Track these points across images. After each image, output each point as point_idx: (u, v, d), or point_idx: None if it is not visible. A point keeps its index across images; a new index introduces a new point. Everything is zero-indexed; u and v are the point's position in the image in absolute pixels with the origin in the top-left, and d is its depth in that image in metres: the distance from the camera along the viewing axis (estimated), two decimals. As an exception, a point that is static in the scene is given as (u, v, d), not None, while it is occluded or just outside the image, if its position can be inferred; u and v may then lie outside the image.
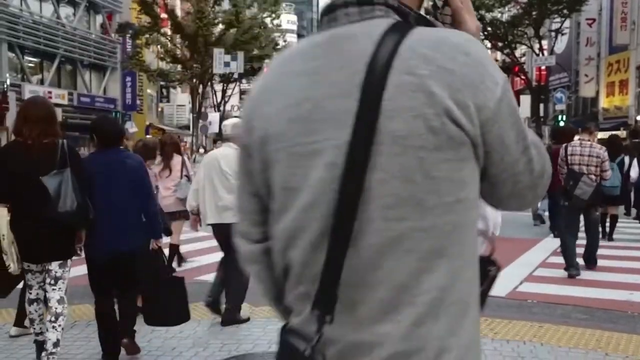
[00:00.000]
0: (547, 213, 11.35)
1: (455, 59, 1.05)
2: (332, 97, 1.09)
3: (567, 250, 7.60)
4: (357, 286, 1.07)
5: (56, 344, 4.04)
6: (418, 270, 1.06)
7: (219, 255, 6.26)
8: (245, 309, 5.99)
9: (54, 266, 4.12)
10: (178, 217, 7.60)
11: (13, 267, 4.05)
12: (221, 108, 42.01)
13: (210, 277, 7.72)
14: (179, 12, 35.66)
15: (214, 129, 34.43)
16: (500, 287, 7.20)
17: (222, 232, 5.39)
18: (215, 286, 5.77)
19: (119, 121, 5.02)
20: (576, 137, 8.23)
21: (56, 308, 4.10)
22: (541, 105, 31.60)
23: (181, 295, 4.65)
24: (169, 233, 6.48)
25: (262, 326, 5.45)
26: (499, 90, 1.07)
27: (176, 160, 7.73)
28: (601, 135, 17.47)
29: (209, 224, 5.68)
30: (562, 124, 28.15)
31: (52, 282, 4.12)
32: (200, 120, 33.34)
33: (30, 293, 4.30)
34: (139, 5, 32.70)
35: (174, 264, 7.75)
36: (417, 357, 1.06)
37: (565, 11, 29.01)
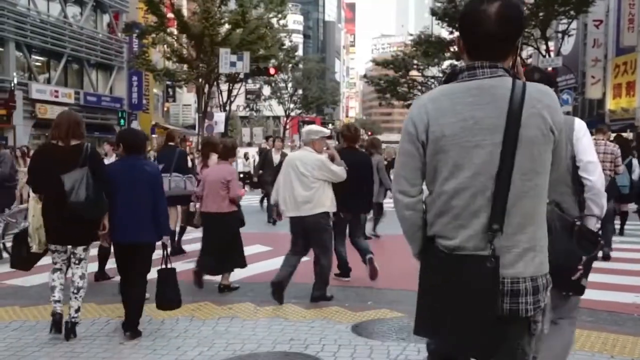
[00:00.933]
0: None
1: (551, 100, 2.17)
2: (488, 118, 2.13)
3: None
4: (509, 213, 2.10)
5: (77, 310, 5.09)
6: (534, 207, 2.15)
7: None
8: (252, 308, 6.01)
9: (79, 250, 5.14)
10: None
11: (35, 247, 5.12)
12: (227, 108, 42.02)
13: (214, 276, 7.75)
14: (185, 12, 35.71)
15: (219, 128, 34.47)
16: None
17: (299, 223, 6.44)
18: (281, 271, 6.47)
19: (143, 133, 6.01)
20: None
21: (78, 282, 5.12)
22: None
23: (173, 283, 5.42)
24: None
25: (267, 326, 5.45)
26: (562, 117, 2.22)
27: (213, 158, 8.45)
28: (608, 137, 17.32)
29: (288, 217, 6.58)
30: (568, 125, 28.09)
31: (77, 262, 5.14)
32: (206, 120, 33.32)
33: (56, 264, 5.20)
34: (145, 5, 32.70)
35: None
36: (532, 251, 2.13)
37: (572, 12, 28.92)
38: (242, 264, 7.33)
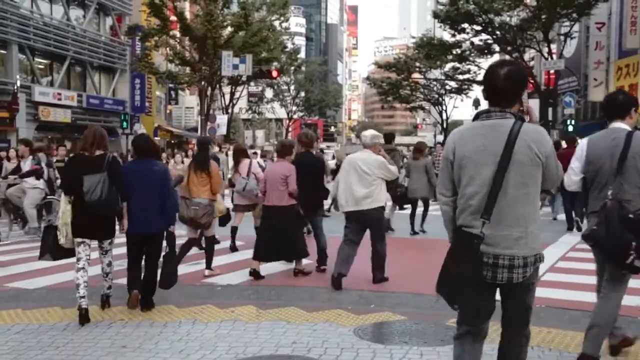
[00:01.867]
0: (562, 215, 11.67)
1: (538, 135, 3.13)
2: (492, 146, 3.09)
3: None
4: (502, 212, 3.06)
5: (109, 287, 6.27)
6: (525, 208, 3.10)
7: (224, 259, 6.26)
8: (253, 312, 6.01)
9: (105, 243, 6.14)
10: (239, 209, 9.98)
11: (62, 240, 5.98)
12: (229, 110, 42.09)
13: (216, 279, 7.75)
14: (188, 15, 35.70)
15: (221, 131, 34.48)
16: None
17: (357, 217, 7.35)
18: (341, 261, 7.33)
19: (151, 139, 7.29)
20: None
21: (106, 269, 6.21)
22: (550, 109, 31.44)
23: (174, 265, 6.55)
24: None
25: (269, 329, 5.45)
26: (550, 147, 3.16)
27: (244, 163, 9.80)
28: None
29: (345, 212, 7.44)
30: (570, 128, 28.07)
31: (104, 252, 6.17)
32: (209, 123, 33.31)
33: (78, 264, 5.91)
34: (148, 8, 32.72)
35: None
36: (524, 239, 3.07)
37: (574, 15, 28.89)
38: (306, 253, 8.04)
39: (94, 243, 6.10)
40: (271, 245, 7.78)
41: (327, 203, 10.31)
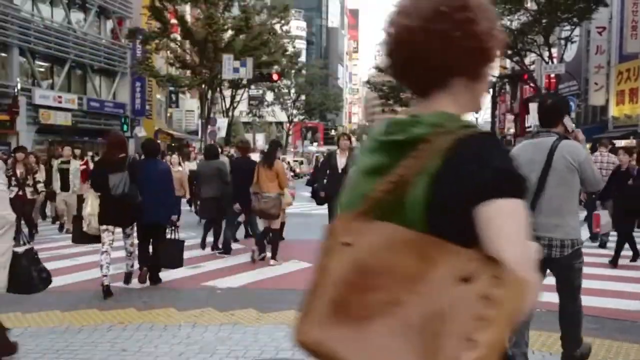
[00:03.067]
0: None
1: (574, 148, 4.15)
2: (538, 157, 4.14)
3: None
4: (543, 206, 4.05)
5: (132, 265, 7.62)
6: (561, 203, 4.10)
7: (224, 262, 6.24)
8: (254, 315, 6.00)
9: (127, 229, 7.41)
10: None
11: (85, 228, 7.36)
12: (230, 114, 42.05)
13: (216, 282, 7.75)
14: (188, 18, 35.69)
15: (222, 134, 34.47)
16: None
17: None
18: None
19: (157, 142, 9.65)
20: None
21: (129, 248, 7.55)
22: (550, 113, 31.42)
23: (179, 249, 7.77)
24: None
25: (270, 332, 5.43)
26: (583, 156, 4.15)
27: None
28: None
29: None
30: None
31: (127, 236, 7.46)
32: (209, 126, 33.27)
33: (103, 247, 7.08)
34: (149, 11, 32.72)
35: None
36: (561, 228, 4.07)
37: (575, 19, 28.87)
38: None
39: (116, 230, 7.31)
40: None
41: None
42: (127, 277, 7.62)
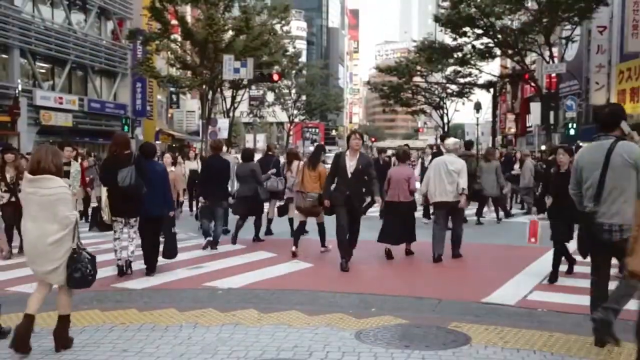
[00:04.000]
0: None
1: (629, 147, 5.01)
2: (598, 157, 5.07)
3: None
4: (604, 197, 5.01)
5: (132, 252, 8.42)
6: (619, 195, 4.97)
7: (225, 262, 6.25)
8: (256, 315, 6.00)
9: (132, 220, 8.30)
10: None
11: (106, 218, 8.21)
12: (230, 114, 42.05)
13: (217, 283, 7.75)
14: (189, 19, 35.67)
15: (223, 134, 34.44)
16: (510, 296, 7.16)
17: (445, 206, 9.52)
18: (436, 244, 9.41)
19: (154, 144, 10.09)
20: None
21: (132, 235, 8.34)
22: (551, 113, 31.41)
23: (173, 241, 8.55)
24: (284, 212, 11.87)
25: (271, 333, 5.43)
26: (638, 154, 4.97)
27: (294, 164, 11.44)
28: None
29: (435, 202, 9.59)
30: (572, 131, 28.03)
31: (131, 227, 8.32)
32: (210, 126, 33.27)
33: (115, 235, 8.27)
34: (149, 12, 32.72)
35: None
36: (618, 214, 4.93)
37: (576, 19, 28.86)
38: (415, 237, 10.01)
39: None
40: (394, 232, 9.74)
41: (418, 200, 11.38)
42: (128, 266, 8.34)
